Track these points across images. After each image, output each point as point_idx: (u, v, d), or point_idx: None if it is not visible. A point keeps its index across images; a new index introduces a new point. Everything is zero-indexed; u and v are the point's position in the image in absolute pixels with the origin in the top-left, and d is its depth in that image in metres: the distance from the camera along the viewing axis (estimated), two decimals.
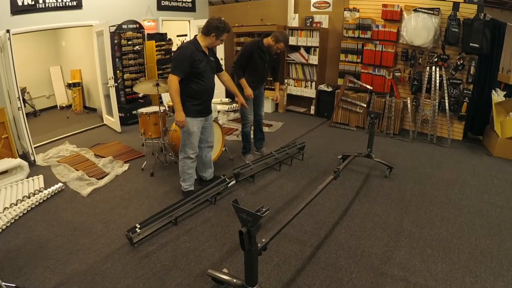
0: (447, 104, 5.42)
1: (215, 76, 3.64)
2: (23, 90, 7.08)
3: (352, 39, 6.31)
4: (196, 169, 3.80)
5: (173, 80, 3.22)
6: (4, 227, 3.18)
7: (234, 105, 5.67)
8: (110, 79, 5.90)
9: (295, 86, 7.30)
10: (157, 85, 4.23)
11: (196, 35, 3.39)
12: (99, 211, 3.51)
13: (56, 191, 3.88)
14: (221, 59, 7.79)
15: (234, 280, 2.25)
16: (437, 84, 5.43)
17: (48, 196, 3.77)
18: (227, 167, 4.56)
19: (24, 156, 4.73)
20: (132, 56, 6.63)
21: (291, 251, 2.84)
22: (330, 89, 6.81)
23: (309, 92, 7.16)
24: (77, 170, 4.41)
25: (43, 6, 5.25)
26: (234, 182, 4.00)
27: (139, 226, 2.97)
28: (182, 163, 3.62)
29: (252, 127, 4.78)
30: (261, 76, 4.48)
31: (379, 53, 5.99)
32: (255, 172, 4.22)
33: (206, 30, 3.29)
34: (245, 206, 1.88)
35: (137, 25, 6.65)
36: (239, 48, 7.99)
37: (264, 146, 4.99)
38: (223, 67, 7.70)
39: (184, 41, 9.27)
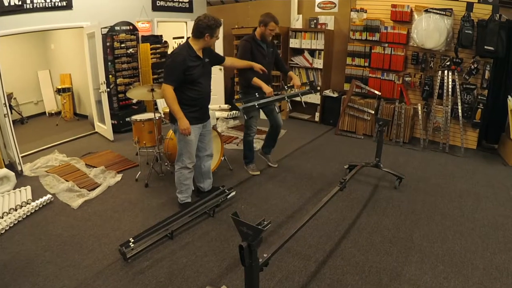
0: (460, 111, 5.47)
1: (222, 68, 3.66)
2: (10, 96, 7.16)
3: (359, 41, 6.39)
4: (193, 179, 3.84)
5: (167, 88, 3.27)
6: None
7: (234, 111, 5.73)
8: (102, 84, 5.97)
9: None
10: (152, 90, 4.29)
11: (188, 38, 3.41)
12: (91, 224, 3.55)
13: (44, 203, 3.92)
14: None
15: None
16: (450, 90, 5.48)
17: (36, 209, 3.81)
18: (226, 177, 4.60)
19: (11, 166, 4.78)
20: (125, 60, 6.70)
21: (294, 267, 2.88)
22: (336, 95, 6.87)
23: (314, 98, 7.19)
24: (67, 180, 4.46)
25: (31, 7, 5.30)
26: (234, 193, 4.04)
27: (132, 240, 3.01)
28: (178, 173, 3.65)
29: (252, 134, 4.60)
30: (264, 74, 4.18)
31: (388, 56, 6.06)
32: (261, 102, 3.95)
33: (198, 33, 3.29)
34: (246, 219, 1.91)
35: (131, 27, 6.73)
36: None
37: (271, 154, 4.94)
38: (222, 71, 7.85)
39: (180, 44, 9.40)
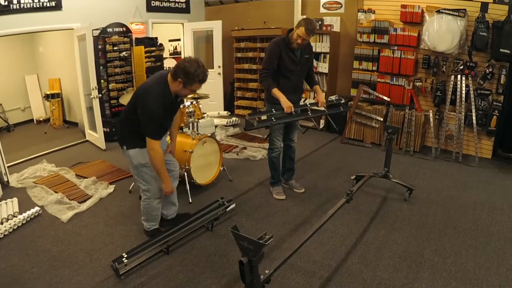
0: (474, 118, 5.50)
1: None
2: None
3: (367, 44, 6.46)
4: None
5: (153, 145, 2.99)
6: None
7: (234, 118, 5.79)
8: (93, 89, 6.03)
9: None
10: None
11: (167, 74, 3.05)
12: (81, 238, 3.59)
13: (32, 216, 3.95)
14: (219, 66, 7.93)
15: None
16: (463, 95, 5.51)
17: (24, 222, 3.84)
18: (225, 189, 4.64)
19: None
20: (118, 64, 6.77)
21: (298, 284, 2.90)
22: (342, 101, 6.89)
23: None
24: (56, 192, 4.49)
25: (18, 7, 5.37)
26: (233, 205, 4.07)
27: (126, 255, 3.03)
28: (146, 204, 3.42)
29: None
30: (293, 83, 3.99)
31: (397, 60, 6.10)
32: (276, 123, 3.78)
33: (173, 73, 2.94)
34: (246, 233, 1.94)
35: (124, 29, 6.79)
36: (239, 55, 8.17)
37: (294, 178, 4.68)
38: (221, 76, 7.93)
39: (175, 48, 9.42)
